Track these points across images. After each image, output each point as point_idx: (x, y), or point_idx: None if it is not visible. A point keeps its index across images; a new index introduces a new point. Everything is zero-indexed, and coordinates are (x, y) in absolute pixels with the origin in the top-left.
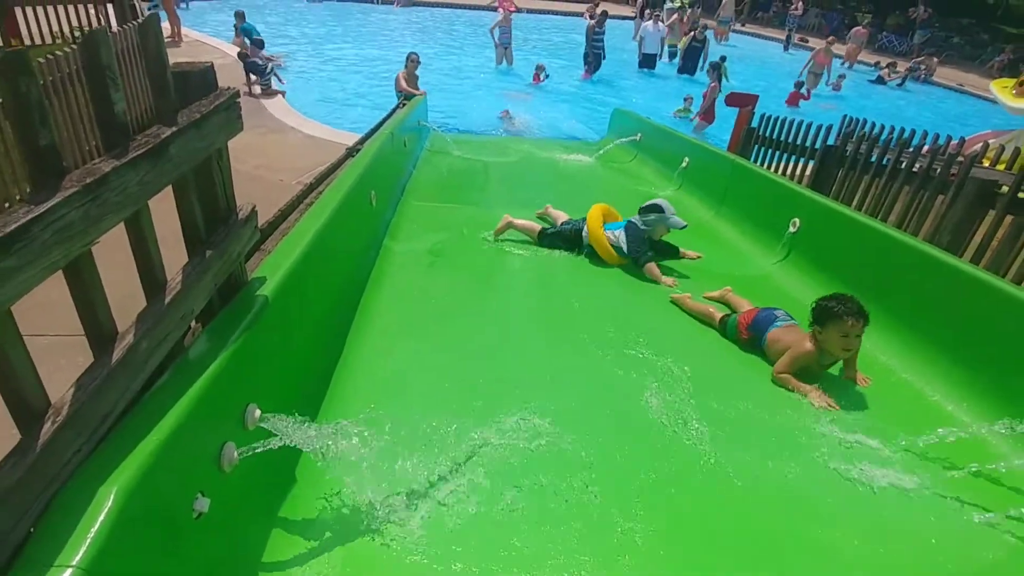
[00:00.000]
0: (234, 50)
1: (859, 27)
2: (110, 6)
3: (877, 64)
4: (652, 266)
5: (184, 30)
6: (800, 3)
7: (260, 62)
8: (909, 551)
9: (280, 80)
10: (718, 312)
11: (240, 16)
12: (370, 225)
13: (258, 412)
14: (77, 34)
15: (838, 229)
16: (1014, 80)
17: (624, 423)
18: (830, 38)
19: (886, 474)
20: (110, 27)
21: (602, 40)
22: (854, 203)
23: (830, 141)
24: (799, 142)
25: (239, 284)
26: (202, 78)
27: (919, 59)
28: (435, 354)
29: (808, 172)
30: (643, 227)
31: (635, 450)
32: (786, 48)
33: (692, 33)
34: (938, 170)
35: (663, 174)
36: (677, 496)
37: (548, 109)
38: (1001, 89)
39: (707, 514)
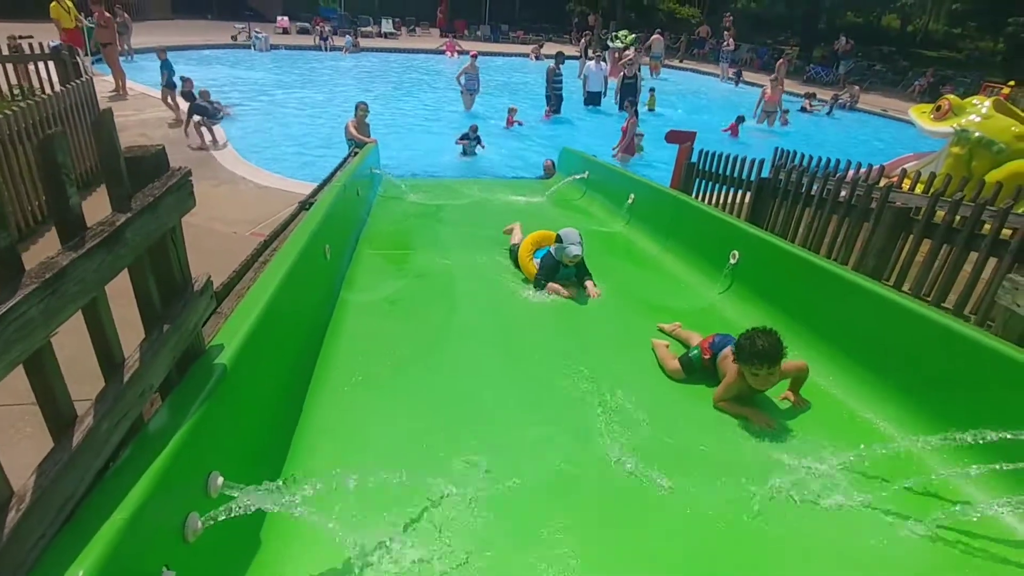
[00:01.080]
0: (180, 102)
1: (781, 59)
2: (51, 63)
3: (804, 95)
4: (550, 286)
5: (129, 83)
6: (732, 40)
7: (209, 106)
8: (850, 565)
9: (213, 134)
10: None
11: (161, 52)
12: (325, 279)
13: (220, 479)
14: (16, 92)
15: (773, 259)
16: (931, 105)
17: (580, 460)
18: (773, 76)
19: (823, 491)
20: (52, 85)
21: (562, 81)
22: (789, 232)
23: (764, 173)
24: (736, 175)
25: (197, 353)
26: (155, 162)
27: (843, 89)
28: (395, 405)
29: (747, 202)
30: (555, 256)
31: (595, 487)
32: (736, 84)
33: (623, 72)
34: (860, 199)
35: (611, 211)
36: (632, 528)
37: (499, 148)
38: (920, 114)
39: (658, 543)
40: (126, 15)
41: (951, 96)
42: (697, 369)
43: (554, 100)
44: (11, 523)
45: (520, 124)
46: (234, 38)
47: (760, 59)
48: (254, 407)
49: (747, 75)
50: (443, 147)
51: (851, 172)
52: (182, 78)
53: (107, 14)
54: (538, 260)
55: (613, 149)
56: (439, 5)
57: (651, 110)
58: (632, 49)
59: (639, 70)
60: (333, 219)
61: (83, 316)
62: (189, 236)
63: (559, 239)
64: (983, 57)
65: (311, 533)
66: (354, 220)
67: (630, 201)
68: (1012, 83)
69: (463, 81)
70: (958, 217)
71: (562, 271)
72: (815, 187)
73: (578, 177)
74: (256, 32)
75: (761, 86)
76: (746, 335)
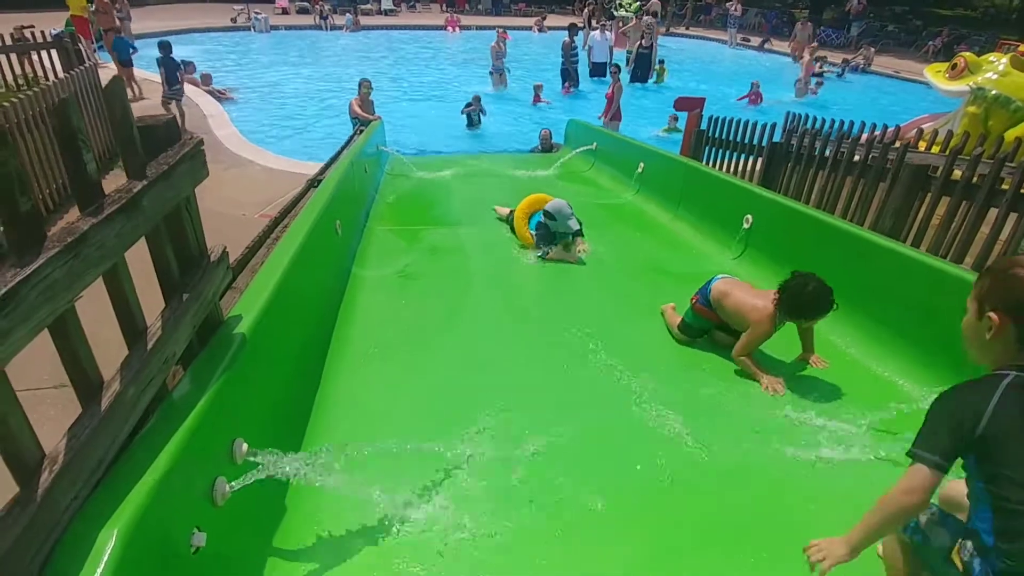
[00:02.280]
0: (185, 87)
1: (799, 22)
2: (55, 52)
3: (816, 59)
4: (551, 254)
5: (134, 69)
6: (739, 4)
7: (180, 75)
8: None
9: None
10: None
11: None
12: (337, 254)
13: (245, 446)
14: (21, 82)
15: (788, 222)
16: (946, 64)
17: (598, 420)
18: (812, 45)
19: (849, 450)
20: (55, 73)
21: (578, 53)
22: (803, 196)
23: (776, 138)
24: (747, 141)
25: (216, 324)
26: (166, 131)
27: (856, 52)
28: (411, 375)
29: (758, 168)
30: (547, 227)
31: (614, 446)
32: (761, 50)
33: (640, 41)
34: (876, 159)
35: (620, 181)
36: (656, 484)
37: (511, 122)
38: (935, 74)
39: (677, 495)
40: (125, 1)
41: (967, 54)
42: (696, 329)
43: (572, 74)
44: (44, 484)
45: (548, 103)
46: (233, 20)
47: (769, 23)
48: (274, 377)
49: (755, 39)
50: (448, 120)
51: (865, 135)
52: (184, 62)
53: (105, 0)
54: (533, 230)
55: (599, 117)
56: None
57: (660, 83)
58: (637, 17)
59: (656, 40)
60: (342, 196)
61: (104, 284)
62: (210, 220)
63: (551, 216)
64: (999, 14)
65: (335, 499)
66: (363, 197)
67: (639, 170)
68: None
69: (492, 61)
70: (977, 175)
71: (558, 238)
72: (828, 150)
73: (586, 148)
74: (255, 13)
75: (770, 51)
76: (794, 282)
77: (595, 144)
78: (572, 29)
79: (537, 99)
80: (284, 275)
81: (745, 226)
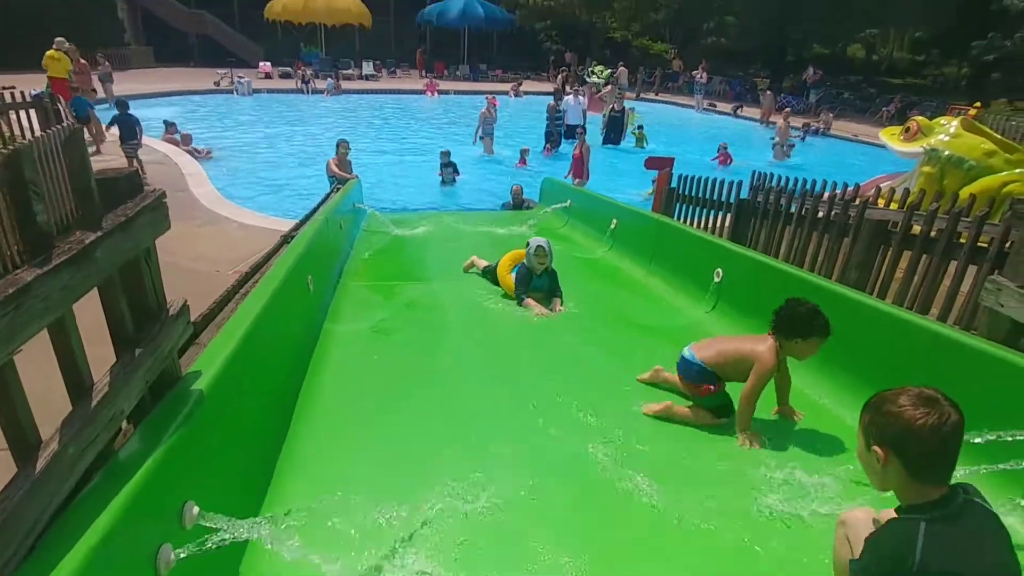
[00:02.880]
0: (162, 146)
1: (767, 91)
2: (33, 112)
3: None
4: (527, 301)
5: (114, 129)
6: (704, 73)
7: (139, 130)
8: None
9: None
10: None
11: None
12: (309, 310)
13: (196, 510)
14: None
15: (758, 276)
16: (900, 127)
17: (570, 480)
18: (786, 111)
19: (819, 503)
20: (33, 133)
21: (562, 117)
22: (772, 250)
23: (743, 195)
24: (716, 197)
25: (173, 380)
26: (128, 183)
27: (816, 117)
28: (379, 434)
29: (727, 224)
30: (525, 268)
31: (585, 509)
32: (735, 114)
33: (611, 106)
34: (838, 215)
35: (594, 237)
36: (623, 544)
37: (489, 180)
38: (890, 136)
39: (649, 558)
40: (107, 63)
41: (919, 118)
42: (726, 404)
43: (555, 136)
44: None
45: (527, 167)
46: (216, 83)
47: (733, 91)
48: (234, 436)
49: (721, 105)
50: (426, 179)
51: (827, 193)
52: (166, 122)
53: (83, 61)
54: (514, 275)
55: (566, 176)
56: (419, 47)
57: (640, 147)
58: (610, 85)
59: (624, 105)
60: (315, 251)
61: (49, 336)
62: (170, 275)
63: (527, 245)
64: (947, 82)
65: (292, 567)
66: (337, 252)
67: (612, 226)
68: (978, 104)
69: (482, 126)
70: (934, 230)
71: (535, 281)
72: (794, 207)
73: (560, 206)
74: (239, 77)
75: (742, 117)
76: (788, 305)
77: (569, 202)
78: (557, 94)
79: (523, 162)
80: (249, 330)
81: (716, 280)
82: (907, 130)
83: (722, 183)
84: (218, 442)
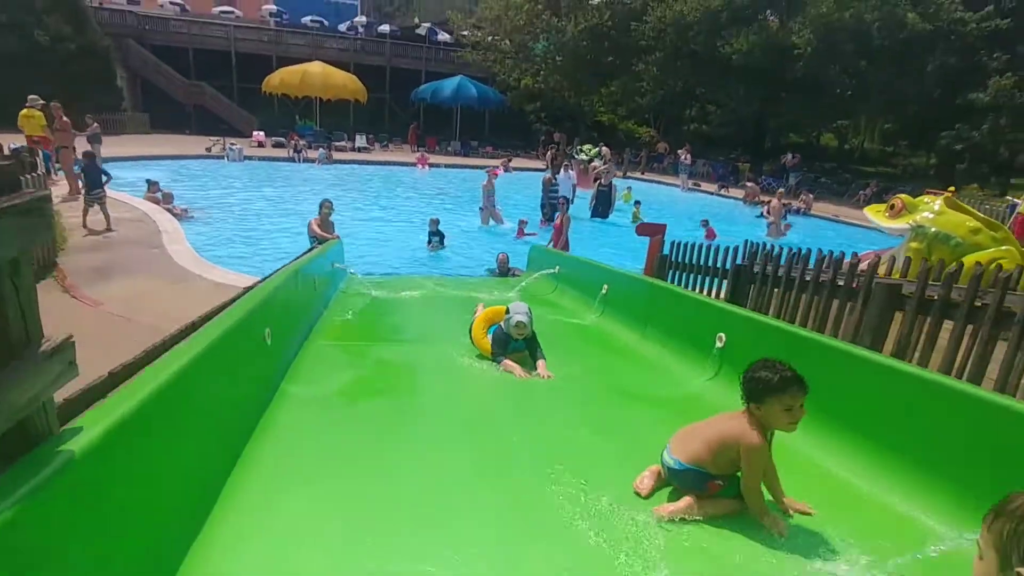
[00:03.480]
0: (142, 204)
1: (750, 176)
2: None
3: (760, 203)
4: (505, 362)
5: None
6: (688, 154)
7: (104, 181)
8: None
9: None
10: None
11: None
12: (262, 366)
13: None
14: None
15: (764, 339)
16: (884, 205)
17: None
18: (779, 191)
19: None
20: None
21: (558, 191)
22: (771, 315)
23: (739, 261)
24: (710, 264)
25: (39, 437)
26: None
27: (796, 198)
28: (326, 512)
29: (723, 292)
30: (504, 329)
31: None
32: (718, 192)
33: (599, 181)
34: (843, 281)
35: (583, 302)
36: None
37: (480, 250)
38: (875, 213)
39: None
40: (96, 124)
41: (903, 195)
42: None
43: (548, 209)
44: None
45: (534, 235)
46: (208, 149)
47: (716, 172)
48: (127, 510)
49: (705, 185)
50: (412, 246)
51: (835, 259)
52: (148, 181)
53: (65, 118)
54: (491, 336)
55: (547, 246)
56: (412, 123)
57: (636, 221)
58: (599, 160)
59: (612, 180)
60: (279, 302)
61: None
62: (131, 335)
63: (507, 311)
64: (917, 171)
65: None
66: (306, 309)
67: (604, 292)
68: (952, 189)
69: (483, 200)
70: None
71: (511, 344)
72: (794, 273)
73: (549, 272)
74: (230, 144)
75: (726, 196)
76: (750, 371)
77: (558, 268)
78: (555, 167)
79: (521, 233)
80: (171, 382)
81: (719, 344)
82: (892, 207)
83: (717, 248)
84: (101, 515)
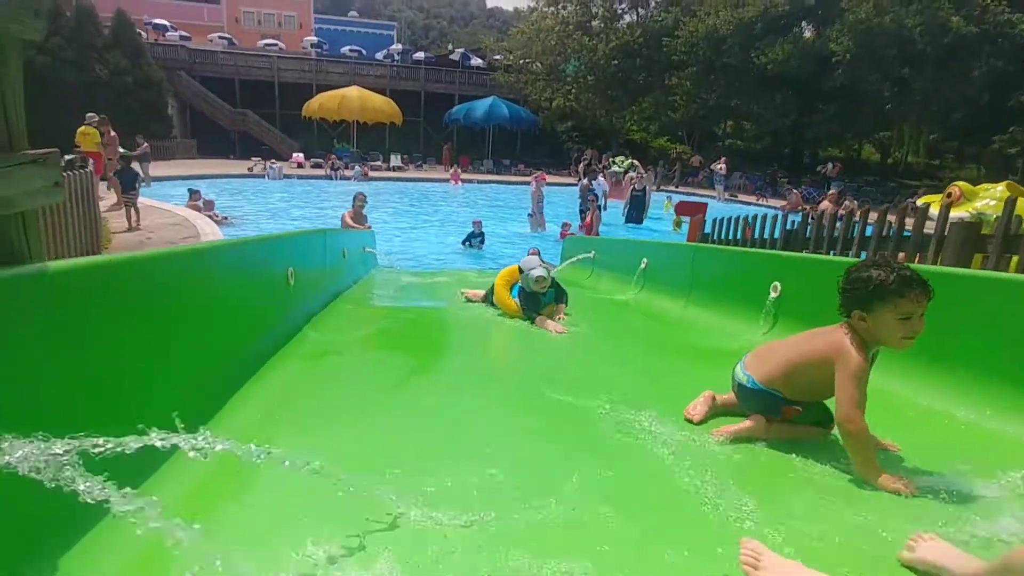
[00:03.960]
0: (184, 211)
1: (790, 187)
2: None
3: (802, 209)
4: (539, 319)
5: (140, 199)
6: (724, 165)
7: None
8: None
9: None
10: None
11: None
12: (283, 302)
13: None
14: None
15: (826, 280)
16: (940, 195)
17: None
18: (832, 192)
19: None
20: None
21: (596, 196)
22: None
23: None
24: (757, 236)
25: (15, 254)
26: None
27: (839, 205)
28: (356, 440)
29: None
30: (526, 289)
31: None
32: (757, 202)
33: (632, 186)
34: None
35: (621, 281)
36: None
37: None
38: (933, 204)
39: None
40: (145, 144)
41: (961, 183)
42: (826, 411)
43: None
44: None
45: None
46: (250, 169)
47: (752, 184)
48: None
49: (742, 196)
50: (444, 246)
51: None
52: (191, 190)
53: (112, 133)
54: (516, 297)
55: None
56: (446, 144)
57: (676, 231)
58: (633, 172)
59: (646, 186)
60: (302, 249)
61: None
62: None
63: (520, 271)
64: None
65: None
66: (332, 272)
67: (643, 266)
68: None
69: (532, 206)
70: None
71: (541, 299)
72: (853, 232)
73: (583, 256)
74: (271, 163)
75: (765, 206)
76: (855, 271)
77: (593, 252)
78: (592, 174)
79: (564, 235)
80: (182, 252)
81: (773, 295)
82: (948, 196)
83: (764, 217)
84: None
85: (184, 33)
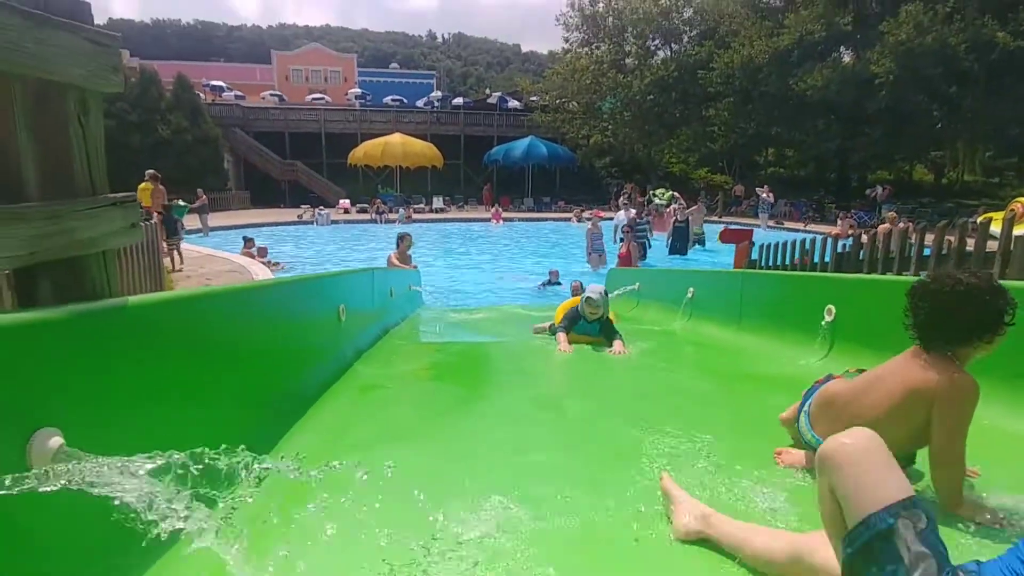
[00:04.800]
0: (239, 259)
1: (845, 214)
2: None
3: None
4: (558, 335)
5: (199, 248)
6: (769, 192)
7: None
8: None
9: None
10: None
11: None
12: (336, 337)
13: (58, 440)
14: None
15: (884, 301)
16: (1001, 213)
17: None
18: (891, 214)
19: None
20: None
21: (645, 229)
22: None
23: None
24: (809, 260)
25: (96, 289)
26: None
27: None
28: (411, 468)
29: None
30: (576, 310)
31: None
32: (807, 227)
33: (675, 217)
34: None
35: (668, 311)
36: None
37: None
38: (994, 222)
39: None
40: (204, 197)
41: (1022, 199)
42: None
43: (639, 247)
44: None
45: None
46: (299, 216)
47: (799, 211)
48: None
49: (788, 224)
50: (487, 285)
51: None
52: (245, 238)
53: (160, 187)
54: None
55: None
56: (486, 184)
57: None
58: (675, 204)
59: (688, 217)
60: (352, 288)
61: None
62: None
63: (580, 289)
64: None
65: None
66: (381, 309)
67: (689, 295)
68: None
69: (590, 243)
70: None
71: (581, 324)
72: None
73: (628, 289)
74: (319, 211)
75: (813, 232)
76: (979, 303)
77: (637, 284)
78: (640, 207)
79: (551, 282)
80: (242, 289)
81: (828, 318)
82: (1012, 212)
83: (812, 240)
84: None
85: (239, 92)
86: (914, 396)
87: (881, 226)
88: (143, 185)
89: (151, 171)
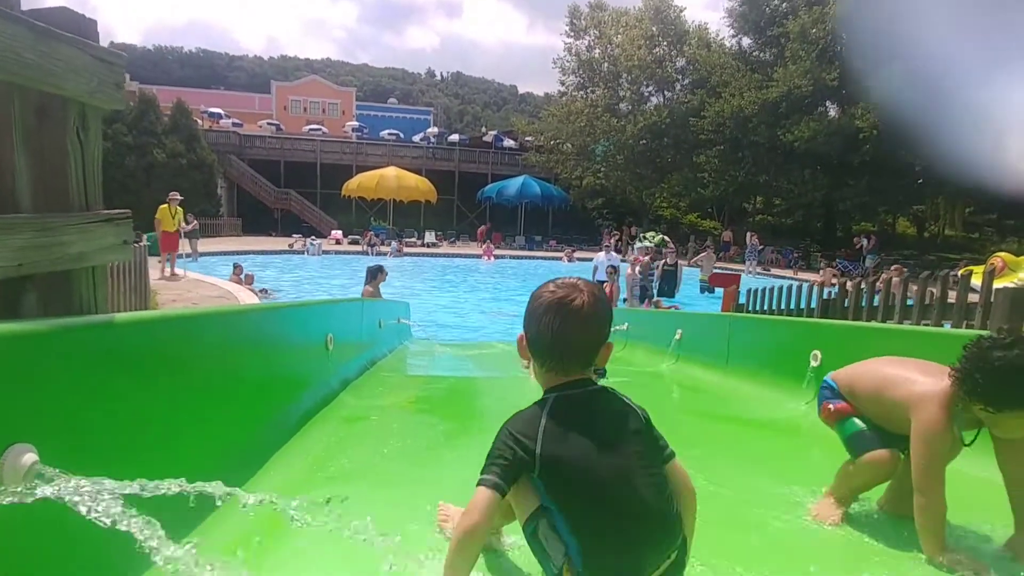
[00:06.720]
0: (227, 284)
1: (828, 266)
2: None
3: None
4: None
5: (188, 272)
6: (755, 237)
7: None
8: None
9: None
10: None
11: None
12: (322, 366)
13: (31, 457)
14: None
15: (869, 347)
16: (982, 266)
17: None
18: (896, 266)
19: None
20: None
21: (653, 274)
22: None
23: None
24: (793, 306)
25: (83, 304)
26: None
27: (875, 276)
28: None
29: None
30: None
31: None
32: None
33: (664, 260)
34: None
35: (656, 351)
36: None
37: None
38: (975, 275)
39: None
40: (196, 222)
41: (1003, 254)
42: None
43: (649, 290)
44: None
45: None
46: (290, 245)
47: (785, 258)
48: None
49: (774, 271)
50: (476, 321)
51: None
52: (235, 264)
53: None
54: None
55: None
56: (482, 226)
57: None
58: (665, 249)
59: (677, 260)
60: (340, 317)
61: None
62: None
63: None
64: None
65: None
66: (369, 340)
67: (677, 337)
68: None
69: (629, 289)
70: None
71: None
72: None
73: (617, 329)
74: (310, 240)
75: (800, 279)
76: (983, 342)
77: (626, 324)
78: (652, 253)
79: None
80: (228, 312)
81: (813, 364)
82: (992, 266)
83: (799, 287)
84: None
85: (236, 120)
86: (898, 396)
87: (883, 275)
88: (171, 209)
89: (176, 194)
